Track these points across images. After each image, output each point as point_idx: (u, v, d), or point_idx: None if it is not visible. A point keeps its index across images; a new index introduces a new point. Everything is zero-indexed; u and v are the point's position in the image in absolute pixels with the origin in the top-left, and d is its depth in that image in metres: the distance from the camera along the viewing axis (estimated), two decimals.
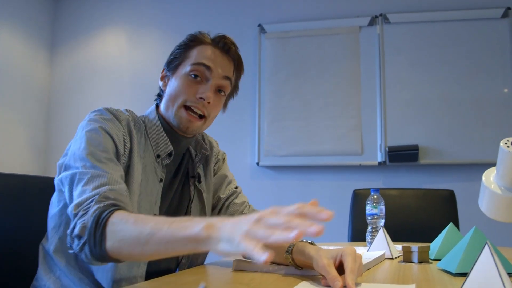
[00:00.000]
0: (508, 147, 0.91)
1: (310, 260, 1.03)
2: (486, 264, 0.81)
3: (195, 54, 1.27)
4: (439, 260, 1.31)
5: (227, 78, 1.30)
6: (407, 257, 1.36)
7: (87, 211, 0.93)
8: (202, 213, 1.39)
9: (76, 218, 0.93)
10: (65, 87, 4.56)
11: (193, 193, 1.37)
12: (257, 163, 3.94)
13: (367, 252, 1.46)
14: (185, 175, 1.37)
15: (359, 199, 2.50)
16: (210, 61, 1.26)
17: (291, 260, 1.11)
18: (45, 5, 4.55)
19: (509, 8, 3.62)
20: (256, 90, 3.99)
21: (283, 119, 3.92)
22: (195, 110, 1.25)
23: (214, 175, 1.46)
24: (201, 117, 1.26)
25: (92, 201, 0.94)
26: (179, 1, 4.37)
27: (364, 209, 1.90)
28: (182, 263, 1.33)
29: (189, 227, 0.78)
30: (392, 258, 1.45)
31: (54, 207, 1.20)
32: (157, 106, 1.34)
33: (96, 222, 0.89)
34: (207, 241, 0.75)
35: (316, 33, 3.97)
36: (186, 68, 1.26)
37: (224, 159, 1.53)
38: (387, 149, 3.66)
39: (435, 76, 3.68)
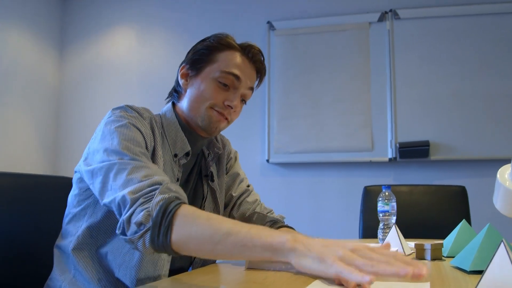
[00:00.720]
0: None
1: None
2: (501, 263, 0.80)
3: (223, 59, 1.27)
4: (452, 257, 1.30)
5: (252, 88, 1.32)
6: (420, 255, 1.35)
7: (150, 199, 0.91)
8: (216, 211, 1.39)
9: (135, 205, 0.91)
10: (75, 86, 4.58)
11: (206, 192, 1.37)
12: (267, 160, 3.94)
13: None
14: (198, 174, 1.37)
15: (370, 195, 2.49)
16: (240, 71, 1.27)
17: None
18: (54, 5, 4.57)
19: None
20: (266, 87, 3.98)
21: (293, 116, 3.91)
22: (221, 112, 1.26)
23: (226, 174, 1.47)
24: (226, 119, 1.28)
25: (155, 190, 0.93)
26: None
27: (375, 206, 1.90)
28: (195, 261, 1.34)
29: (271, 235, 0.78)
30: (405, 256, 1.45)
31: (73, 207, 1.20)
32: (173, 104, 1.33)
33: (164, 212, 0.88)
34: (290, 253, 0.75)
35: (325, 29, 3.96)
36: (214, 73, 1.25)
37: (236, 158, 1.53)
38: (397, 145, 3.64)
39: (446, 71, 3.66)
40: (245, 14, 4.21)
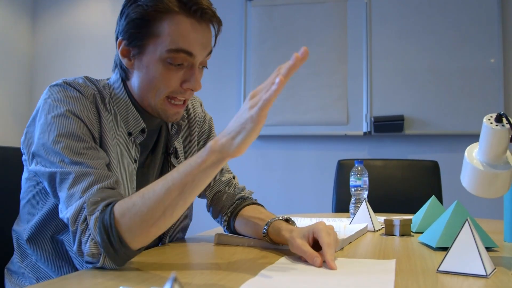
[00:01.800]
0: (491, 123, 0.90)
1: (286, 243, 1.02)
2: (465, 241, 0.81)
3: (167, 32, 1.02)
4: (421, 233, 1.32)
5: (210, 52, 1.11)
6: (389, 230, 1.37)
7: (86, 225, 0.87)
8: None
9: (77, 235, 0.87)
10: (48, 54, 4.47)
11: (169, 171, 1.27)
12: None
13: (349, 225, 1.46)
14: (165, 151, 1.26)
15: (343, 169, 2.50)
16: (190, 44, 1.04)
17: (269, 240, 1.10)
18: None
19: None
20: (242, 59, 3.93)
21: None
22: (180, 97, 1.10)
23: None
24: (184, 101, 1.13)
25: (84, 210, 0.87)
26: None
27: (349, 180, 1.91)
28: (163, 241, 1.27)
29: (199, 159, 0.81)
30: (374, 231, 1.46)
31: (26, 192, 1.12)
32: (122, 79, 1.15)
33: (105, 230, 0.84)
34: (223, 151, 0.78)
35: (303, 1, 3.90)
36: (160, 52, 1.03)
37: (211, 128, 1.39)
38: (372, 119, 3.66)
39: (422, 46, 3.66)
40: None
